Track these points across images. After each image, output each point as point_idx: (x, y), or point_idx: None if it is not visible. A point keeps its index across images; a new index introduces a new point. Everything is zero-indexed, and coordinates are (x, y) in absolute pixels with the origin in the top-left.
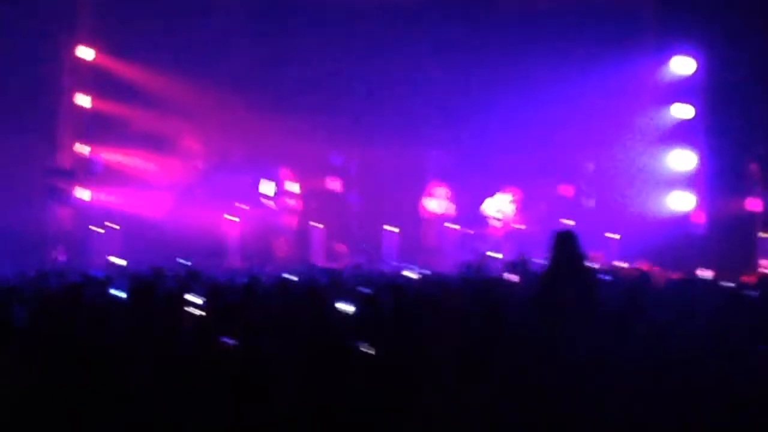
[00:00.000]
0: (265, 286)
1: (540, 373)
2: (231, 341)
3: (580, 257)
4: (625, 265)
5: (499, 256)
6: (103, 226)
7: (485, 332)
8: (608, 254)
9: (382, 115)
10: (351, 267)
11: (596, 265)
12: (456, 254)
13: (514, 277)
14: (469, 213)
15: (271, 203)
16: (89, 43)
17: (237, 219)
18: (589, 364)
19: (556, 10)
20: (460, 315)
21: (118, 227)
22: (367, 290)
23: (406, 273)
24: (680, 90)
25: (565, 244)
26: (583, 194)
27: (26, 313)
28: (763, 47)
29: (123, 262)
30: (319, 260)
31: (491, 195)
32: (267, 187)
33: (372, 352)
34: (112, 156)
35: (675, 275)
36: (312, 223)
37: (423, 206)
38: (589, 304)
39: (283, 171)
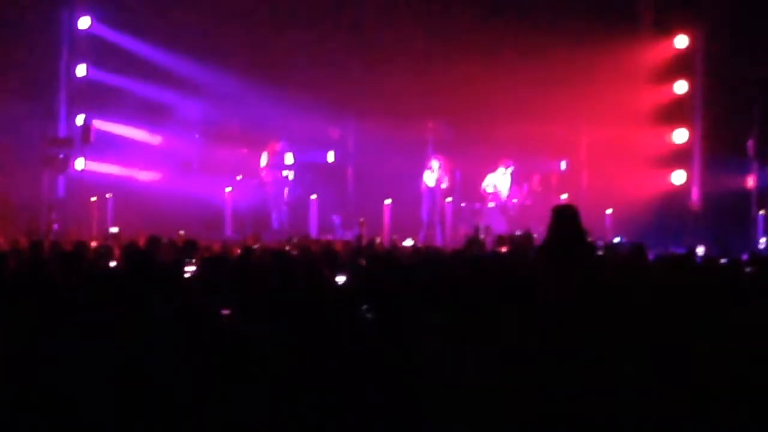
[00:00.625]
0: (260, 257)
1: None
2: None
3: (580, 232)
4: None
5: (492, 229)
6: (98, 195)
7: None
8: (602, 229)
9: (379, 87)
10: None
11: (598, 241)
12: (452, 228)
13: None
14: (466, 186)
15: (268, 174)
16: (87, 12)
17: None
18: (585, 338)
19: None
20: (456, 288)
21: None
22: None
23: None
24: (676, 66)
25: (565, 219)
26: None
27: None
28: (762, 25)
29: (116, 229)
30: (314, 232)
31: (488, 168)
32: (265, 159)
33: (368, 318)
34: (109, 126)
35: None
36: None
37: (424, 179)
38: (588, 279)
39: (281, 143)
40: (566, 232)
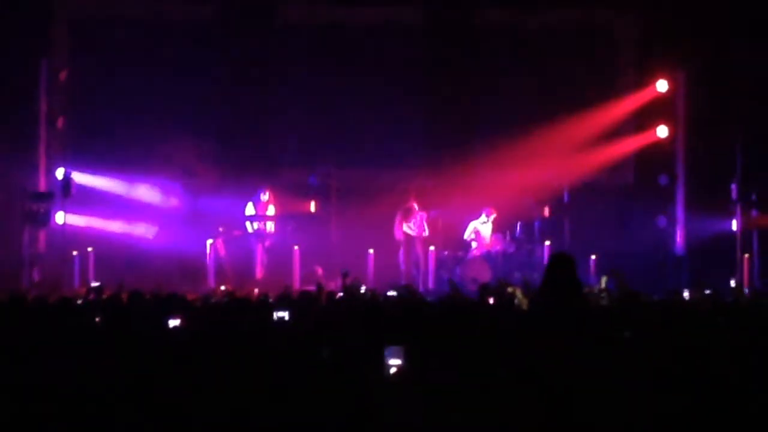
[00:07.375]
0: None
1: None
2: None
3: (576, 280)
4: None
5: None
6: (80, 249)
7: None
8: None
9: (361, 137)
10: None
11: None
12: (435, 276)
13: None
14: (449, 234)
15: (251, 225)
16: (66, 65)
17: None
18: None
19: (538, 32)
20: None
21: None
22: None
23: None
24: (660, 111)
25: (561, 267)
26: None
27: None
28: (744, 71)
29: (97, 284)
30: (297, 283)
31: (470, 215)
32: (249, 210)
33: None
34: (89, 178)
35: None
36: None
37: (403, 228)
38: (580, 327)
39: (262, 193)
40: (562, 282)
